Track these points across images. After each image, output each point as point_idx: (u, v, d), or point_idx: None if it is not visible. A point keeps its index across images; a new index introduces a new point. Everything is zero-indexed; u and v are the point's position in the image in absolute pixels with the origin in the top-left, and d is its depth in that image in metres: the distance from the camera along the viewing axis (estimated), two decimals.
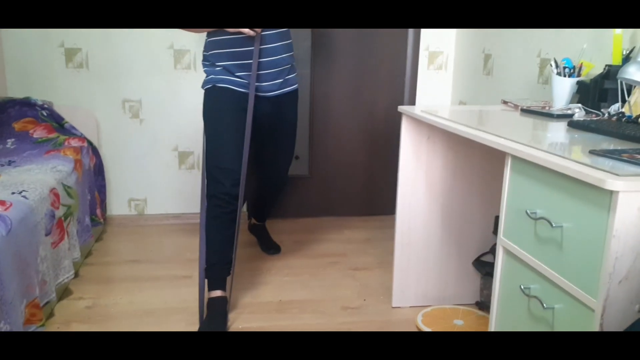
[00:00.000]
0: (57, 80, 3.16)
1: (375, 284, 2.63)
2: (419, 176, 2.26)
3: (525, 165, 1.38)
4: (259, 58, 2.25)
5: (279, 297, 2.48)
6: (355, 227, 3.43)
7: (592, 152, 1.27)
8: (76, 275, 2.61)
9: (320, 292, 2.54)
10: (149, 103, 3.26)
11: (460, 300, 2.43)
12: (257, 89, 2.31)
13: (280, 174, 2.67)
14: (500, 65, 2.83)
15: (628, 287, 1.13)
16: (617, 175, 1.09)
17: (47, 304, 2.17)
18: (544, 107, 1.99)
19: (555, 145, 1.38)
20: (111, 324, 2.22)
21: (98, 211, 3.03)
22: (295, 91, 2.49)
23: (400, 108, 2.18)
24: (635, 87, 1.66)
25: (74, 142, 2.93)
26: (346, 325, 2.25)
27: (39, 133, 2.93)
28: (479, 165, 2.28)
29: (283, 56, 2.34)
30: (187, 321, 2.25)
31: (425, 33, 3.38)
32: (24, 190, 2.13)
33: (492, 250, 2.31)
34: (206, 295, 2.25)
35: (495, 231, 2.29)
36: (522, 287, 1.42)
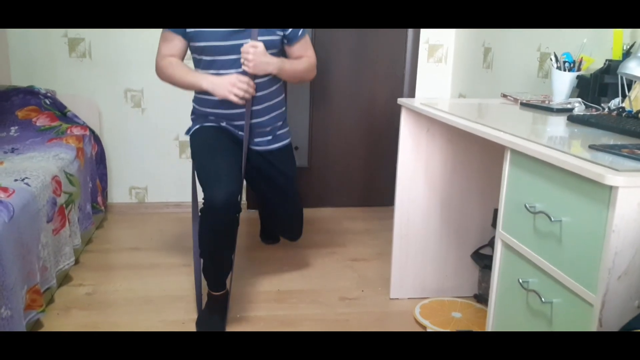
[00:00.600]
0: (60, 70, 3.17)
1: (374, 275, 2.64)
2: (418, 168, 2.27)
3: (524, 159, 1.38)
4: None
5: (277, 287, 2.49)
6: (354, 218, 3.44)
7: (592, 147, 1.27)
8: (77, 262, 2.63)
9: (318, 282, 2.56)
10: (151, 93, 3.26)
11: (458, 293, 2.44)
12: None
13: (292, 226, 2.61)
14: (500, 59, 2.83)
15: (627, 283, 1.13)
16: (616, 170, 1.08)
17: (48, 290, 2.18)
18: (543, 101, 1.99)
19: (555, 140, 1.37)
20: (110, 311, 2.24)
21: (99, 199, 3.04)
22: (287, 146, 2.43)
23: (400, 100, 2.18)
24: (635, 82, 1.67)
25: (76, 131, 2.94)
26: (344, 316, 2.27)
27: (41, 121, 2.93)
28: (478, 158, 2.29)
29: (271, 116, 2.29)
30: (186, 309, 2.26)
31: None
32: (26, 178, 2.14)
33: (491, 243, 2.32)
34: (204, 286, 2.24)
35: (494, 224, 2.30)
36: (520, 280, 1.41)
